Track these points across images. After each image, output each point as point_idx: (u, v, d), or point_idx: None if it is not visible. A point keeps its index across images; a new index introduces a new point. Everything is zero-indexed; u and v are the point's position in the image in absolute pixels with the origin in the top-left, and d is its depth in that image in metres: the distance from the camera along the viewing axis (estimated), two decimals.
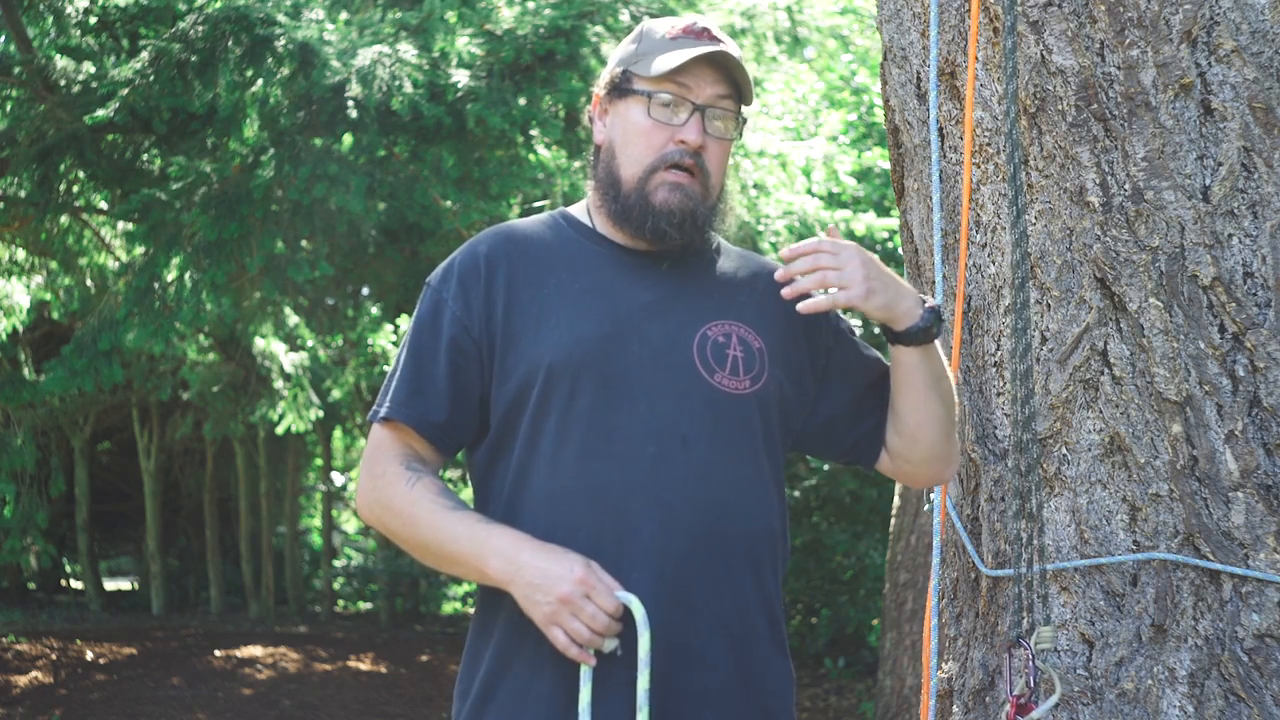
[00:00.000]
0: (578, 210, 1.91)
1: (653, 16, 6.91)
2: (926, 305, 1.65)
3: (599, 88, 1.87)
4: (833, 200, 8.91)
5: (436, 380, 1.78)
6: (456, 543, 1.71)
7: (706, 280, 1.91)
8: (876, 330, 9.02)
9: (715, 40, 1.81)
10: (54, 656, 10.11)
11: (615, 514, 1.72)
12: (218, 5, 6.42)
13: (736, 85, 1.83)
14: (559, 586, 1.61)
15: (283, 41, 6.11)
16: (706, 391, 1.81)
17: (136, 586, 17.71)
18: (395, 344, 11.51)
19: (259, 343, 9.37)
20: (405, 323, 11.59)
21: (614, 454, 1.74)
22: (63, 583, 17.92)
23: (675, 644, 1.72)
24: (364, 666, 10.38)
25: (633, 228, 1.79)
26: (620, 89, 1.83)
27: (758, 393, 1.85)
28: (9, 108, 7.16)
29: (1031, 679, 1.52)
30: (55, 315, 9.72)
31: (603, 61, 6.87)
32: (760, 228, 7.93)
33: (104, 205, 7.84)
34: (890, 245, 8.86)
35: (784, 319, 1.91)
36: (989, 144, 1.73)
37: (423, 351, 1.81)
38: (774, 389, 1.87)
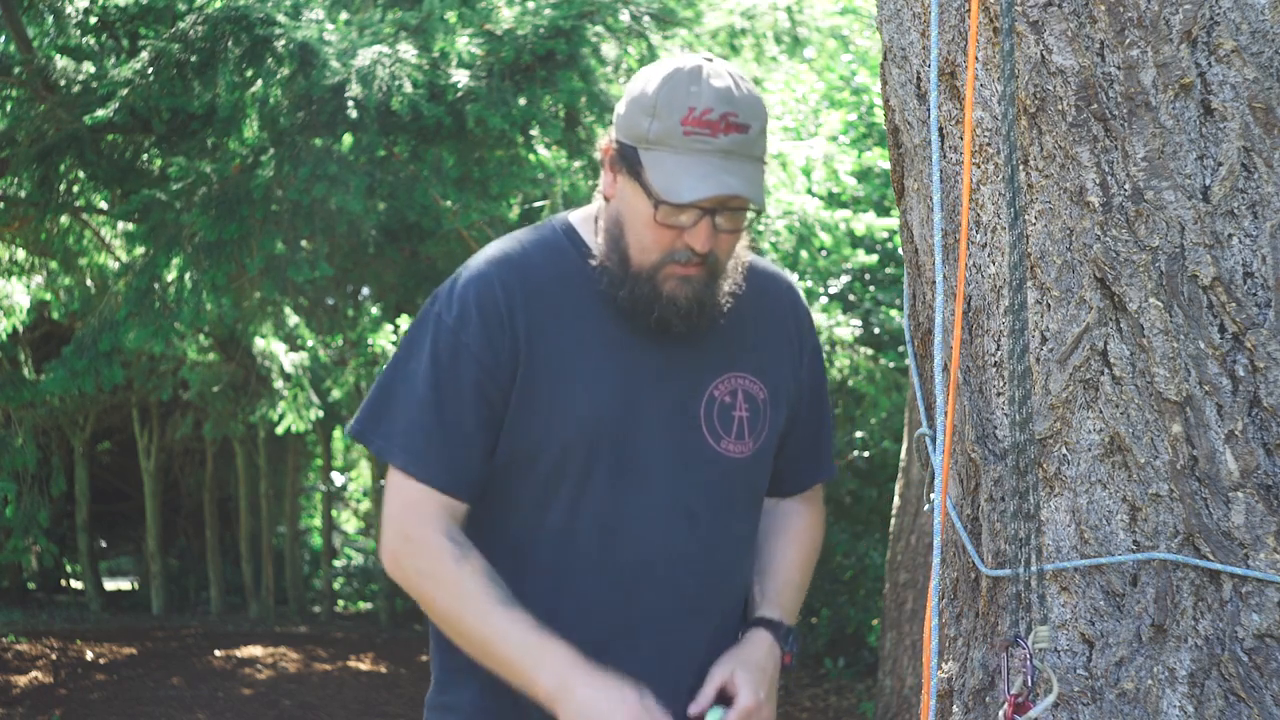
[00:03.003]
0: (583, 227, 1.83)
1: (653, 16, 6.93)
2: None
3: (610, 137, 1.77)
4: (833, 200, 8.91)
5: (470, 436, 1.71)
6: (506, 646, 1.66)
7: (712, 327, 1.87)
8: (877, 331, 9.01)
9: (737, 130, 1.68)
10: (54, 656, 10.10)
11: (626, 593, 1.74)
12: (218, 5, 6.42)
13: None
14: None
15: (283, 41, 6.11)
16: (713, 460, 1.83)
17: (136, 586, 17.71)
18: (395, 344, 11.51)
19: (259, 343, 9.37)
20: (405, 323, 11.59)
21: (626, 532, 1.75)
22: (63, 583, 17.92)
23: (680, 712, 1.75)
24: (364, 666, 10.38)
25: (639, 315, 1.74)
26: (629, 167, 1.72)
27: (759, 451, 1.89)
28: (9, 108, 7.16)
29: (1029, 678, 1.52)
30: (55, 315, 9.73)
31: (603, 61, 6.86)
32: (760, 228, 7.93)
33: (104, 205, 7.85)
34: (890, 245, 8.86)
35: (785, 349, 1.93)
36: (989, 144, 1.73)
37: (446, 401, 1.71)
38: (774, 438, 1.91)
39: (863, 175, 9.00)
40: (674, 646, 1.76)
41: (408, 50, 6.38)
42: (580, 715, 1.60)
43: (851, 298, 8.94)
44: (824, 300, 8.64)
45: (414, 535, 1.70)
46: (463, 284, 1.76)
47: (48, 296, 9.16)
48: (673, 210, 1.68)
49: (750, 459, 1.84)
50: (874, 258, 8.72)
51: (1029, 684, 1.52)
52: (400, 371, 1.75)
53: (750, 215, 1.77)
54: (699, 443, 1.79)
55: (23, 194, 7.29)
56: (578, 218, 1.86)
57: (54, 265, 8.79)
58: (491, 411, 1.71)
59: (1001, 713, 1.52)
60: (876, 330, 8.76)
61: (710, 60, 1.72)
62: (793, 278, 2.03)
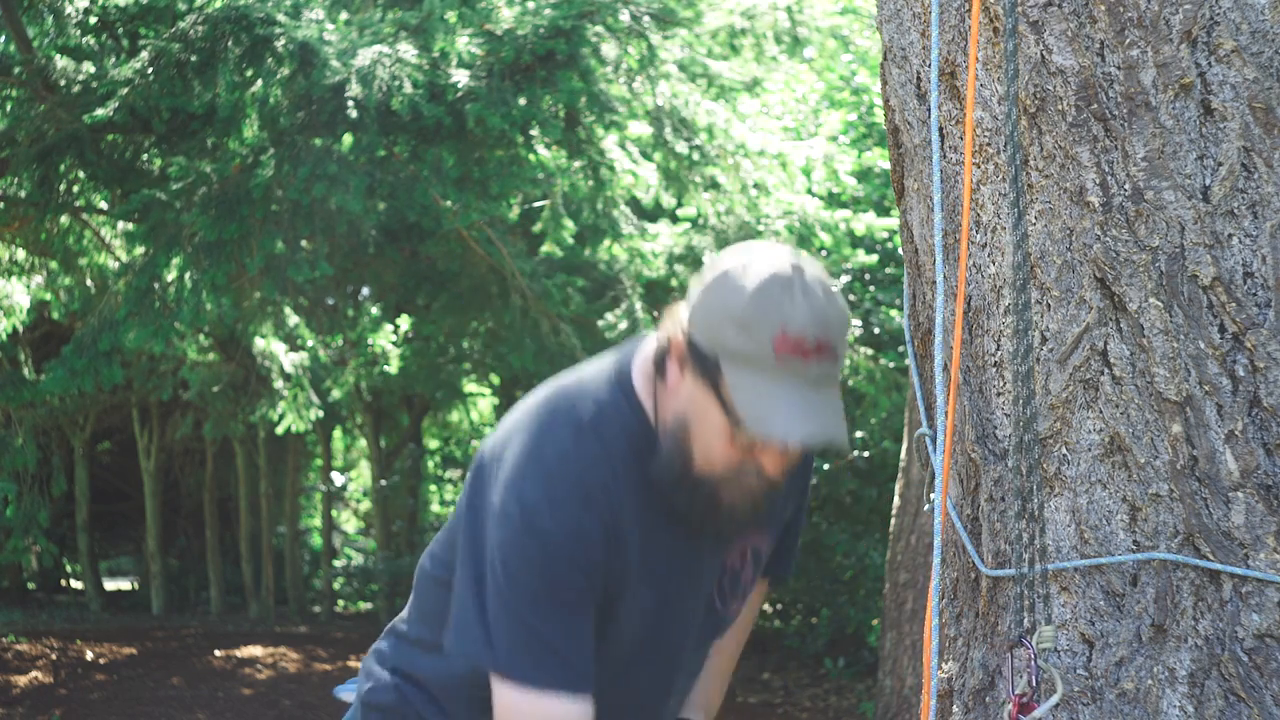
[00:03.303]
0: (644, 389, 1.72)
1: (653, 16, 6.93)
2: None
3: (681, 331, 1.64)
4: (833, 200, 8.91)
5: (579, 649, 1.65)
6: None
7: None
8: (877, 331, 9.00)
9: (828, 354, 1.58)
10: (54, 656, 10.10)
11: None
12: (218, 5, 6.42)
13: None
14: None
15: (283, 41, 6.11)
16: (716, 623, 1.90)
17: (136, 586, 17.71)
18: (395, 344, 11.51)
19: (259, 343, 9.37)
20: (405, 323, 11.59)
21: (638, 696, 1.82)
22: (63, 583, 17.92)
23: None
24: None
25: (693, 518, 1.69)
26: (707, 376, 1.61)
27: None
28: (9, 108, 7.16)
29: (1033, 678, 1.52)
30: (55, 315, 9.73)
31: (603, 61, 6.86)
32: (760, 228, 7.93)
33: (104, 205, 7.85)
34: (890, 245, 8.86)
35: (794, 493, 1.98)
36: (989, 144, 1.73)
37: (554, 615, 1.62)
38: (760, 574, 1.98)
39: (863, 175, 9.00)
40: None
41: (408, 50, 6.38)
42: None
43: (851, 298, 8.94)
44: None
45: None
46: (565, 505, 1.64)
47: (48, 296, 9.16)
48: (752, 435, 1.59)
49: (739, 611, 1.94)
50: (874, 258, 8.73)
51: (1033, 684, 1.52)
52: (508, 588, 1.63)
53: None
54: (712, 616, 1.85)
55: (23, 194, 7.29)
56: (639, 376, 1.73)
57: (54, 265, 8.80)
58: (595, 613, 1.68)
59: (1006, 712, 1.52)
60: (876, 330, 8.76)
61: (801, 267, 1.61)
62: None
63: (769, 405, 1.55)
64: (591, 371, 1.75)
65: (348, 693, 1.98)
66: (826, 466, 8.77)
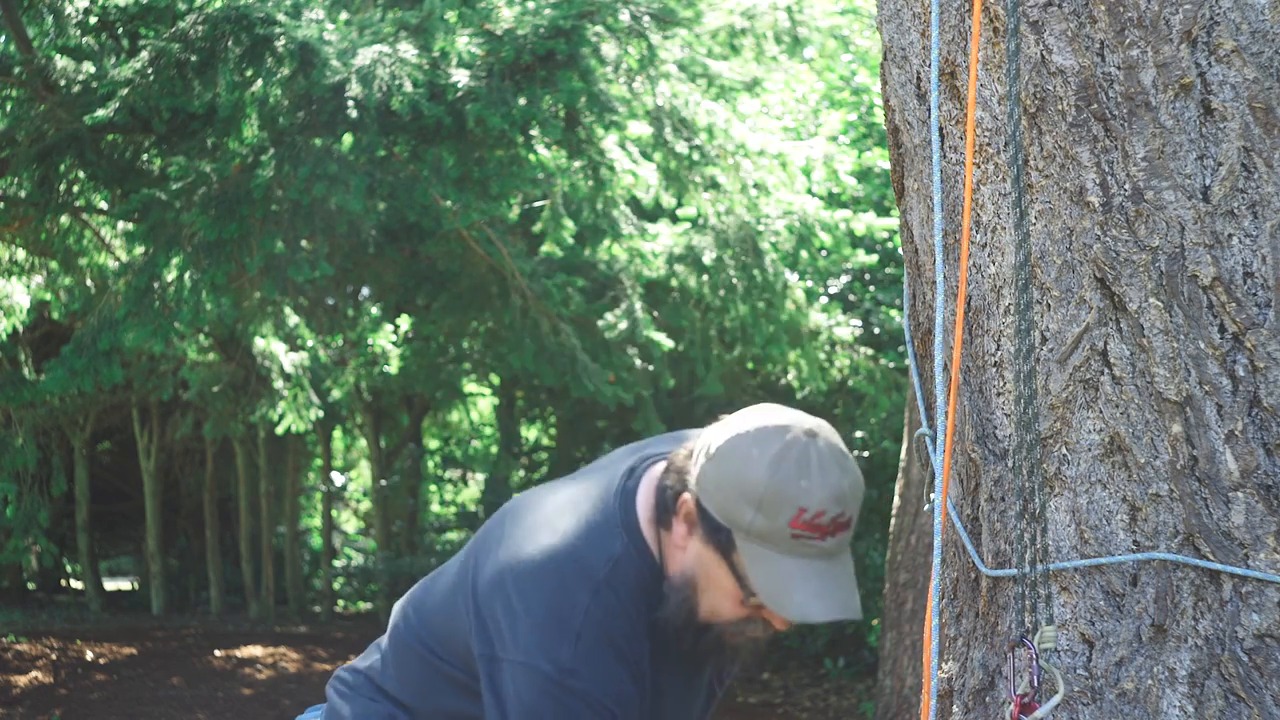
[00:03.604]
0: (652, 540, 1.73)
1: (653, 16, 6.93)
2: None
3: (690, 494, 1.66)
4: (833, 200, 8.91)
5: None
6: None
7: None
8: (877, 331, 9.00)
9: (842, 529, 1.60)
10: (54, 656, 10.10)
11: None
12: (218, 5, 6.42)
13: None
14: None
15: (283, 41, 6.11)
16: (711, 698, 1.93)
17: (136, 586, 17.70)
18: (395, 344, 11.51)
19: (259, 343, 9.37)
20: (405, 323, 11.59)
21: None
22: (63, 583, 17.92)
23: None
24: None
25: (698, 658, 1.74)
26: (719, 546, 1.62)
27: None
28: (9, 108, 7.16)
29: (1035, 678, 1.52)
30: (55, 315, 9.73)
31: (603, 61, 6.86)
32: (760, 228, 7.93)
33: (104, 205, 7.84)
34: (890, 245, 8.86)
35: None
36: (989, 144, 1.73)
37: None
38: None
39: (863, 175, 9.00)
40: None
41: (408, 50, 6.38)
42: None
43: (851, 298, 8.94)
44: (824, 300, 8.64)
45: None
46: (603, 660, 1.65)
47: (48, 296, 9.16)
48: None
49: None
50: (874, 258, 8.73)
51: (1035, 684, 1.52)
52: None
53: None
54: (711, 697, 1.88)
55: (23, 194, 7.29)
56: (644, 519, 1.73)
57: (54, 265, 8.80)
58: None
59: (1008, 713, 1.52)
60: (876, 330, 8.76)
61: (815, 435, 1.61)
62: None
63: (785, 583, 1.56)
64: (592, 513, 1.74)
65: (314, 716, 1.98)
66: None
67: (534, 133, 7.12)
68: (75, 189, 7.31)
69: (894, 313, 8.61)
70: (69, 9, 6.95)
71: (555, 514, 1.74)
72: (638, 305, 8.15)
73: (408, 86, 6.19)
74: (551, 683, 1.62)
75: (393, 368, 11.52)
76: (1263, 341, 1.56)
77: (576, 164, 7.58)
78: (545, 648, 1.63)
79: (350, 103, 6.20)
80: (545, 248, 7.72)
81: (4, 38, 7.23)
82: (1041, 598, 1.56)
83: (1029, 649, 1.53)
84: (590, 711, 1.62)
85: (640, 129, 7.61)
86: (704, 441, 1.66)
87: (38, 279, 9.00)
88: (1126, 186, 1.61)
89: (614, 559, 1.68)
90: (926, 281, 1.94)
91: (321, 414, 10.37)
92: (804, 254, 8.09)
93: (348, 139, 6.73)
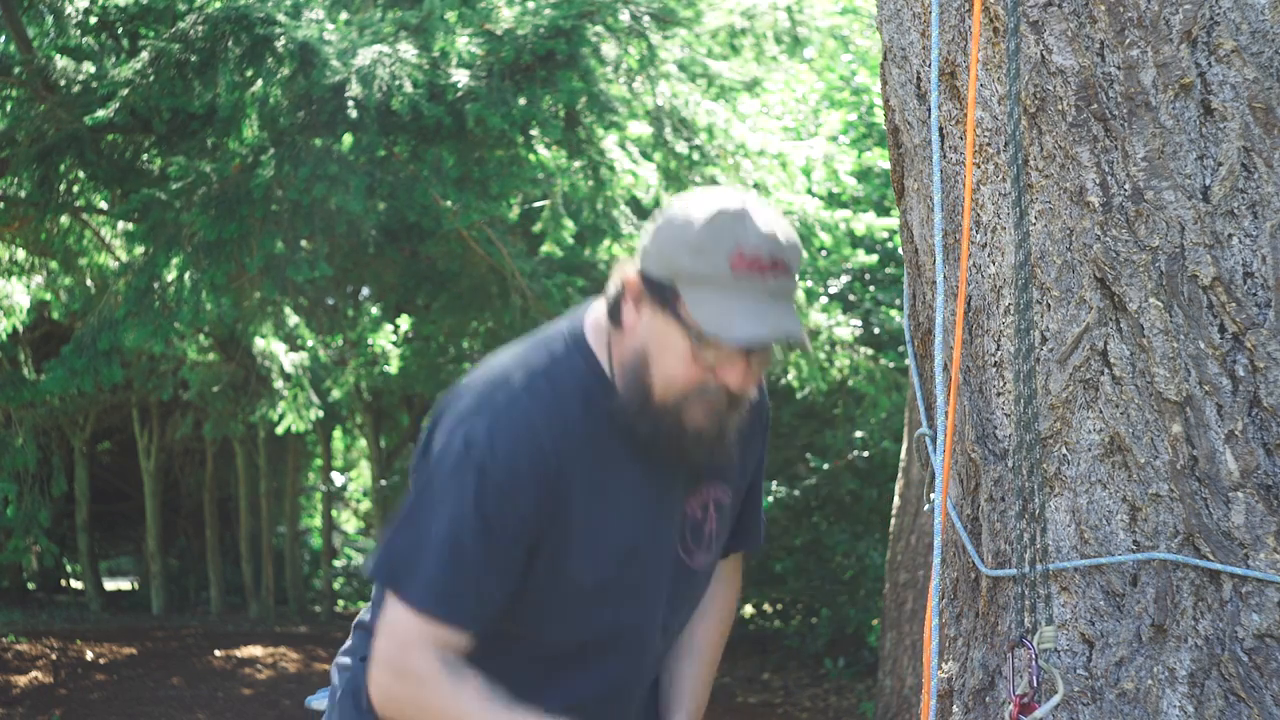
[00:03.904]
0: (597, 344, 1.76)
1: (653, 16, 6.93)
2: None
3: (635, 268, 1.70)
4: (833, 200, 8.91)
5: (490, 586, 1.68)
6: None
7: None
8: (877, 331, 9.00)
9: (781, 270, 1.65)
10: (54, 656, 10.10)
11: (610, 702, 1.84)
12: (218, 5, 6.42)
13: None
14: None
15: (283, 41, 6.10)
16: (688, 578, 1.89)
17: (136, 586, 17.71)
18: (395, 344, 11.51)
19: (259, 343, 9.37)
20: (405, 323, 11.59)
21: (617, 651, 1.82)
22: (63, 583, 17.92)
23: None
24: None
25: (660, 448, 1.71)
26: (663, 303, 1.66)
27: (719, 552, 1.96)
28: (9, 108, 7.16)
29: (1034, 678, 1.52)
30: (55, 315, 9.73)
31: (603, 61, 6.86)
32: None
33: (104, 205, 7.84)
34: (890, 245, 8.86)
35: (751, 453, 1.99)
36: (989, 144, 1.73)
37: (474, 547, 1.66)
38: (727, 534, 1.98)
39: (863, 175, 9.00)
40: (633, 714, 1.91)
41: (408, 50, 6.38)
42: None
43: (851, 298, 8.93)
44: (824, 300, 8.64)
45: (406, 667, 1.67)
46: (508, 440, 1.67)
47: (48, 296, 9.16)
48: (714, 348, 1.63)
49: (710, 567, 1.92)
50: (874, 258, 8.72)
51: (1034, 684, 1.52)
52: (434, 516, 1.68)
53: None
54: (677, 564, 1.84)
55: (23, 194, 7.29)
56: (590, 330, 1.77)
57: (54, 265, 8.80)
58: (518, 560, 1.70)
59: (1007, 713, 1.52)
60: (876, 330, 8.76)
61: (752, 201, 1.67)
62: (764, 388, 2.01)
63: (728, 314, 1.61)
64: (544, 332, 1.81)
65: (320, 701, 1.99)
66: (826, 466, 8.77)
67: (534, 133, 7.12)
68: (75, 189, 7.31)
69: (894, 313, 8.60)
70: (69, 9, 6.95)
71: (500, 354, 1.82)
72: None
73: (408, 86, 6.19)
74: (456, 456, 1.66)
75: (393, 368, 11.52)
76: (1263, 341, 1.56)
77: (576, 164, 7.57)
78: (465, 424, 1.68)
79: (350, 103, 6.20)
80: (545, 248, 7.71)
81: (4, 38, 7.23)
82: (1041, 598, 1.56)
83: (1028, 649, 1.53)
84: (479, 490, 1.64)
85: (640, 129, 7.61)
86: (644, 232, 1.75)
87: (38, 279, 9.00)
88: (1126, 186, 1.61)
89: (555, 356, 1.74)
90: (926, 281, 1.94)
91: (321, 414, 10.38)
92: (804, 254, 8.08)
93: (348, 139, 6.72)
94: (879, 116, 9.21)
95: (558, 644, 1.79)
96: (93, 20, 7.16)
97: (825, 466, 8.71)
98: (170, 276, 6.59)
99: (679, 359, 1.65)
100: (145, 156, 7.25)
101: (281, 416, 9.43)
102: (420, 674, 1.66)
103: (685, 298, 1.63)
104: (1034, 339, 1.65)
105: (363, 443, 17.10)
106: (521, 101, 6.57)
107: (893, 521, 6.21)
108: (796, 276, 1.70)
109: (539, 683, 1.78)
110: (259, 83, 6.40)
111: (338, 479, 19.16)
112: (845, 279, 8.85)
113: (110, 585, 17.98)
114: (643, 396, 1.69)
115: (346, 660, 1.92)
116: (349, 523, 21.53)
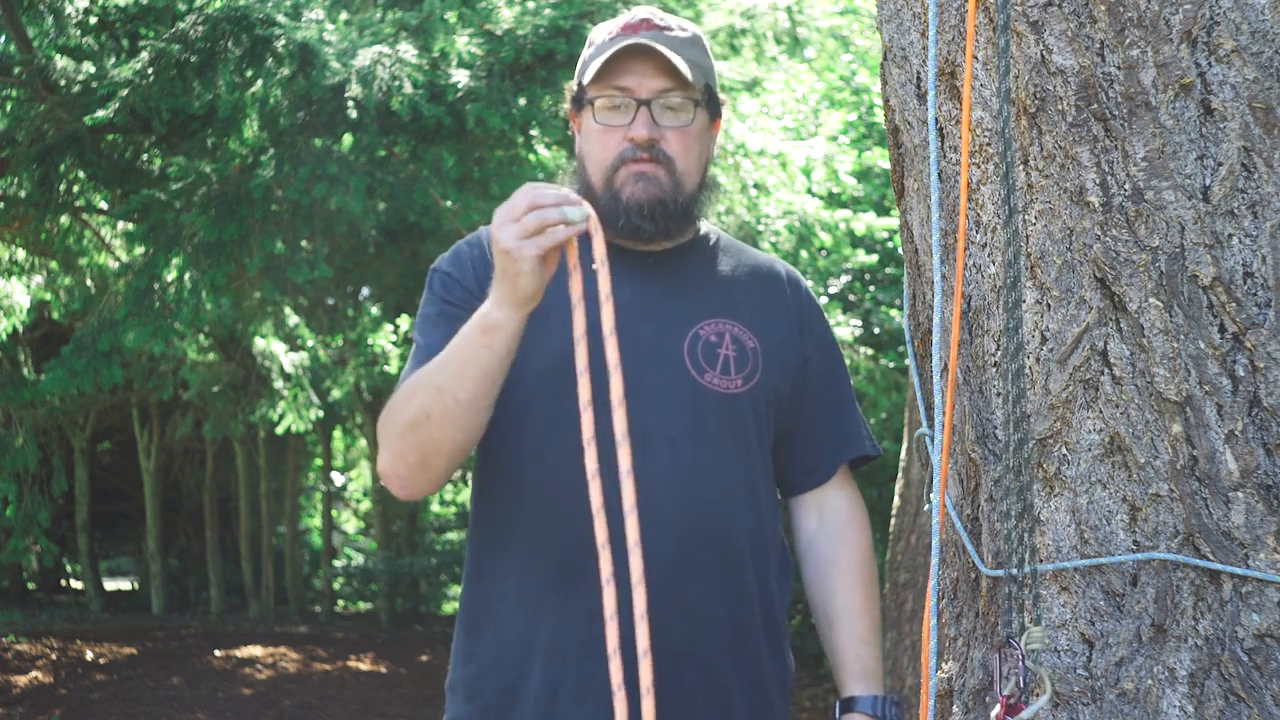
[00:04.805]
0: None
1: None
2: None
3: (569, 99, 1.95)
4: (833, 200, 8.91)
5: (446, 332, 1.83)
6: (459, 346, 1.71)
7: (701, 277, 1.93)
8: (877, 331, 9.01)
9: (654, 28, 1.84)
10: (54, 656, 10.10)
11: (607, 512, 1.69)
12: (218, 5, 6.42)
13: (679, 71, 1.82)
14: (506, 216, 1.61)
15: (283, 42, 6.10)
16: (696, 391, 1.83)
17: (136, 586, 17.72)
18: (395, 344, 11.53)
19: (259, 343, 9.38)
20: (405, 323, 11.61)
21: (642, 457, 1.71)
22: (63, 583, 17.93)
23: (669, 642, 1.72)
24: (364, 666, 10.37)
25: (609, 228, 1.77)
26: (576, 100, 1.89)
27: (751, 391, 1.87)
28: (9, 108, 7.16)
29: (1021, 679, 1.52)
30: (55, 315, 9.73)
31: None
32: (760, 228, 7.92)
33: (104, 205, 7.84)
34: (890, 245, 8.86)
35: (783, 319, 1.93)
36: (988, 144, 1.73)
37: (441, 315, 1.87)
38: (769, 389, 1.89)
39: (863, 175, 9.00)
40: (660, 572, 1.69)
41: (408, 50, 6.38)
42: (498, 259, 1.62)
43: (851, 298, 8.93)
44: (824, 300, 8.64)
45: (382, 420, 1.83)
46: (458, 244, 1.97)
47: (48, 296, 9.16)
48: (610, 109, 1.82)
49: (743, 396, 1.86)
50: (874, 258, 8.72)
51: (1021, 685, 1.52)
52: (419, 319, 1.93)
53: (704, 101, 1.87)
54: (681, 374, 1.82)
55: (23, 194, 7.29)
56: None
57: (54, 265, 8.80)
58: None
59: (993, 714, 1.52)
60: (876, 330, 8.76)
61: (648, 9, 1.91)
62: (797, 272, 2.08)
63: (597, 61, 1.82)
64: None
65: None
66: None
67: (534, 133, 7.12)
68: (75, 189, 7.31)
69: (894, 313, 8.60)
70: (69, 9, 6.95)
71: None
72: None
73: (407, 87, 6.19)
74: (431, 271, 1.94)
75: (393, 368, 11.53)
76: (1263, 341, 1.56)
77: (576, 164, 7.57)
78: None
79: (350, 103, 6.20)
80: None
81: (4, 38, 7.23)
82: (1031, 597, 1.56)
83: (1016, 650, 1.53)
84: (430, 285, 1.90)
85: None
86: None
87: (38, 279, 9.00)
88: (1126, 186, 1.61)
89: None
90: (926, 281, 1.94)
91: (321, 414, 10.38)
92: (804, 254, 8.09)
93: (348, 139, 6.72)
94: (879, 116, 9.21)
95: (540, 453, 1.80)
96: (93, 20, 7.16)
97: None
98: (170, 277, 6.60)
99: (593, 134, 1.84)
100: (145, 156, 7.25)
101: (281, 416, 9.43)
102: (385, 411, 1.84)
103: (582, 81, 1.87)
104: (1022, 338, 1.65)
105: (363, 443, 17.10)
106: (521, 101, 6.57)
107: (892, 521, 6.21)
108: (684, 39, 1.87)
109: (540, 506, 1.80)
110: (259, 83, 6.40)
111: (338, 479, 19.16)
112: (845, 279, 8.85)
113: (110, 585, 17.99)
114: (587, 191, 1.86)
115: None
116: (349, 523, 21.53)
